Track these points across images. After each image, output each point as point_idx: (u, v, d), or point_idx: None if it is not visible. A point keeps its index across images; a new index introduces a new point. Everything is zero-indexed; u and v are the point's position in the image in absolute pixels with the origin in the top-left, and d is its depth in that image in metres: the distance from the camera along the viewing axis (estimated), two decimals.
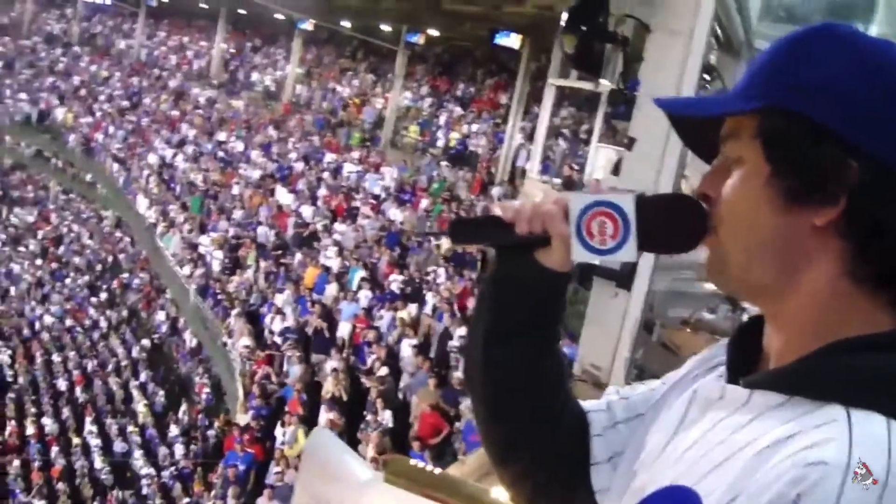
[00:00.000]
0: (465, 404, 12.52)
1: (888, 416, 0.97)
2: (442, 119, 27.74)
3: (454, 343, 14.62)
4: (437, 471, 2.32)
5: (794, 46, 1.12)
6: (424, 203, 21.85)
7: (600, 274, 4.82)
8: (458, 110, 27.73)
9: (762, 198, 1.11)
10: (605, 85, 7.86)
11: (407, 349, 15.48)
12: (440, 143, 26.66)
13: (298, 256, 20.95)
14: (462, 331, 14.49)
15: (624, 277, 4.82)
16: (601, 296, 4.92)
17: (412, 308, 16.89)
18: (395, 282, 18.17)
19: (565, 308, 1.44)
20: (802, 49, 1.11)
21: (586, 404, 1.45)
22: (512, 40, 23.00)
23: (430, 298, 16.81)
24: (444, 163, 24.99)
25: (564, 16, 5.29)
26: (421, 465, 2.32)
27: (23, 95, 39.58)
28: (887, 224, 1.05)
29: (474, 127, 26.42)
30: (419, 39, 27.75)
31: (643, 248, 1.33)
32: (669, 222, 1.31)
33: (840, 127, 1.05)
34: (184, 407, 20.04)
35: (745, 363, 1.19)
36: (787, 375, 1.08)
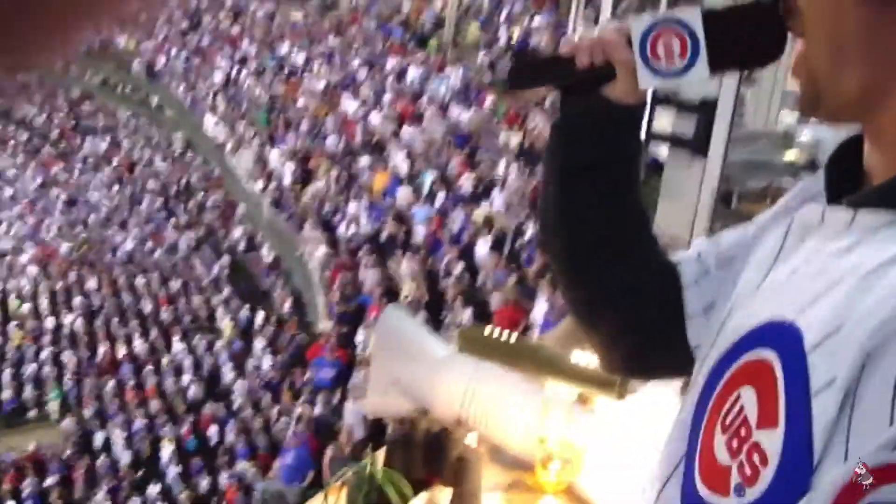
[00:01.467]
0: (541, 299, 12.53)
1: None
2: (503, 15, 27.25)
3: (526, 239, 14.59)
4: (514, 337, 2.25)
5: None
6: (489, 101, 21.59)
7: (674, 143, 4.64)
8: (519, 5, 27.20)
9: None
10: None
11: (482, 248, 15.47)
12: (502, 40, 26.24)
13: (366, 162, 20.92)
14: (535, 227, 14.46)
15: (699, 143, 4.61)
16: (676, 166, 4.71)
17: (485, 206, 16.83)
18: (467, 181, 18.08)
19: (641, 146, 1.34)
20: None
21: (677, 255, 1.34)
22: None
23: (501, 195, 16.72)
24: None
25: None
26: (496, 332, 2.25)
27: None
28: None
29: (536, 20, 25.91)
30: None
31: (716, 66, 1.22)
32: (742, 31, 1.20)
33: None
34: (267, 318, 20.32)
35: (847, 186, 1.05)
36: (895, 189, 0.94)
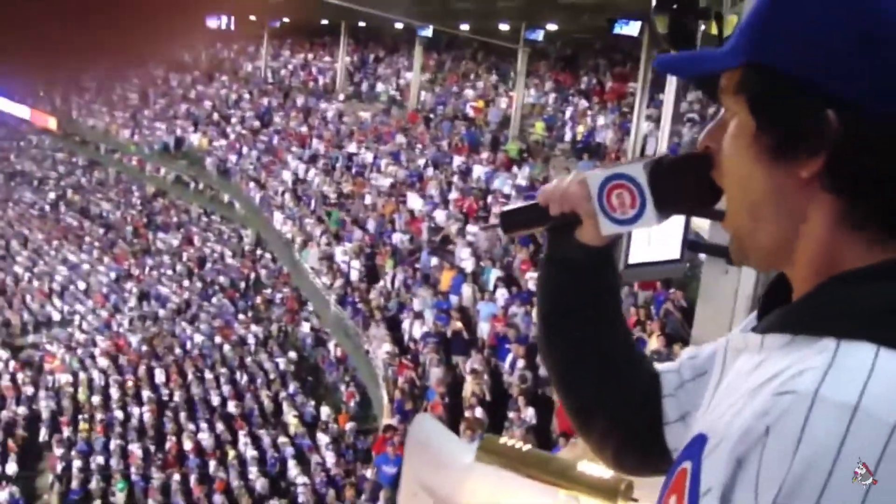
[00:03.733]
0: None
1: (880, 344, 0.95)
2: (567, 113, 27.60)
3: None
4: (527, 447, 2.39)
5: None
6: None
7: (710, 252, 4.75)
8: (583, 103, 27.54)
9: (751, 153, 1.11)
10: None
11: None
12: (567, 137, 26.54)
13: (433, 260, 21.13)
14: None
15: None
16: (712, 273, 4.85)
17: None
18: (532, 279, 18.18)
19: (614, 279, 1.53)
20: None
21: (660, 366, 1.52)
22: (631, 28, 22.63)
23: None
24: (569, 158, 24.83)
25: None
26: (511, 442, 2.39)
27: (159, 124, 40.94)
28: (872, 172, 1.02)
29: (600, 119, 26.20)
30: (538, 36, 27.66)
31: (663, 212, 1.39)
32: (682, 181, 1.36)
33: (817, 77, 1.04)
34: (332, 415, 20.44)
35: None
36: (790, 314, 1.09)
